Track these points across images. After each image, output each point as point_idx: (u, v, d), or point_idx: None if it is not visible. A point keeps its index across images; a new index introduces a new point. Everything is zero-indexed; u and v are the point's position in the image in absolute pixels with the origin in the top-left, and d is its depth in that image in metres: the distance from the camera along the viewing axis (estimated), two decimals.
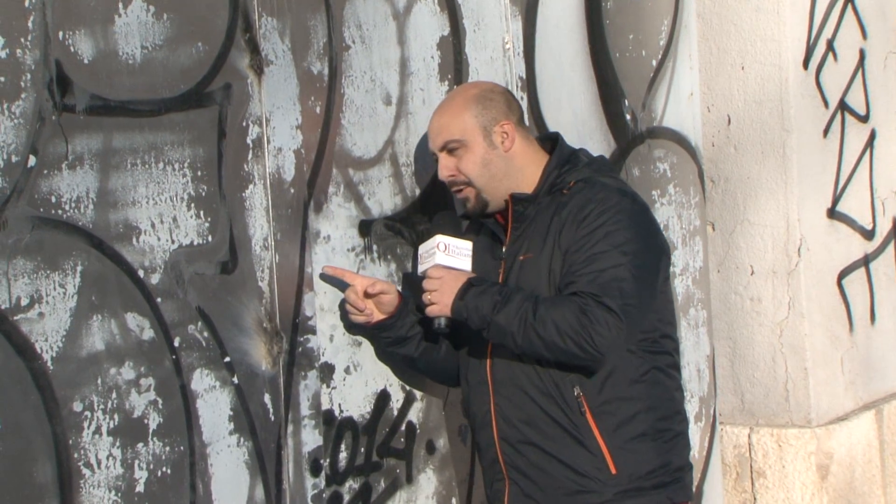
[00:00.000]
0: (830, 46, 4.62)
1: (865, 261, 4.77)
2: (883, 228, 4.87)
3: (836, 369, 4.60)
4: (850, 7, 4.70)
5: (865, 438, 4.63)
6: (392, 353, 3.41)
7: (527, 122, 3.92)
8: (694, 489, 3.95)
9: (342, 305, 3.37)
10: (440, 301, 3.17)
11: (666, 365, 3.22)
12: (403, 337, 3.35)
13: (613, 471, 3.12)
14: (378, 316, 3.32)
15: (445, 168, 3.25)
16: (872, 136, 4.81)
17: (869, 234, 4.80)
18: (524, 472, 3.20)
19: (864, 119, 4.78)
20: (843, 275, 4.66)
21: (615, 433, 3.13)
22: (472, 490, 3.73)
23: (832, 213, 4.64)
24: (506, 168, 3.23)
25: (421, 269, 3.25)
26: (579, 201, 3.15)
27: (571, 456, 3.13)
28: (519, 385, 3.18)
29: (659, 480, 3.15)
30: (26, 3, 2.75)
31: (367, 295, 3.30)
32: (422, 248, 3.27)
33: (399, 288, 3.45)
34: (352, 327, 3.38)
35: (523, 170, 3.25)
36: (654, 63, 4.40)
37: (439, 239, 3.22)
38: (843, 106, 4.68)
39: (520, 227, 3.23)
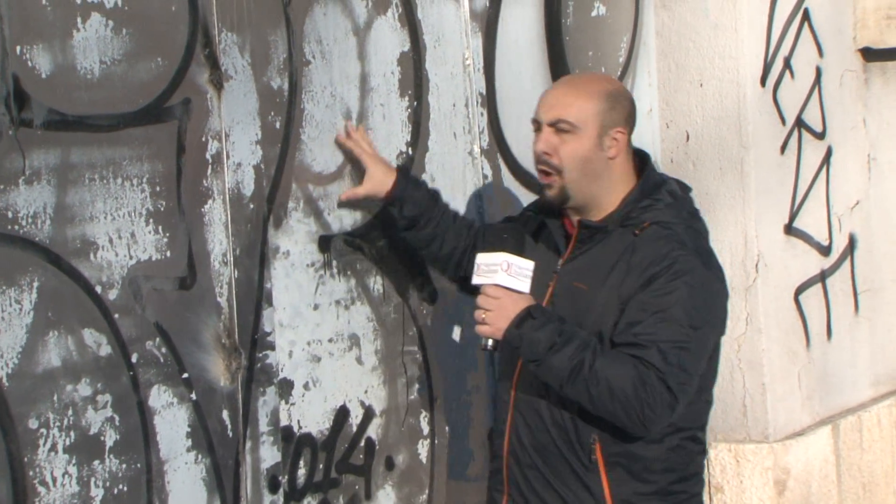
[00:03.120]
0: (787, 64, 4.66)
1: (822, 277, 4.81)
2: (839, 245, 4.91)
3: (793, 385, 4.63)
4: (806, 25, 4.74)
5: (822, 454, 4.67)
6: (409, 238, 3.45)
7: (486, 143, 3.95)
8: None
9: None
10: (494, 324, 3.00)
11: (695, 428, 3.09)
12: (416, 217, 3.40)
13: None
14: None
15: (545, 143, 3.08)
16: (829, 152, 4.86)
17: (825, 251, 4.84)
18: (525, 495, 3.13)
19: (821, 136, 4.83)
20: (799, 290, 4.70)
21: (624, 485, 3.02)
22: None
23: (789, 230, 4.68)
24: (601, 174, 3.07)
25: (477, 280, 3.07)
26: (651, 254, 2.98)
27: (575, 498, 3.04)
28: (537, 409, 3.08)
29: None
30: None
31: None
32: (481, 259, 3.08)
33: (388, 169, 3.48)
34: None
35: (614, 183, 3.09)
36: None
37: (504, 257, 3.03)
38: (799, 123, 4.72)
39: (582, 247, 3.09)
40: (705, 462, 3.18)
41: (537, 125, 3.14)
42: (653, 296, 2.94)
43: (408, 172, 3.55)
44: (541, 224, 3.21)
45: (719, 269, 3.09)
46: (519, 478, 3.13)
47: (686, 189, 3.19)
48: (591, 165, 3.06)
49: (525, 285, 3.04)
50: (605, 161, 3.07)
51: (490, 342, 3.04)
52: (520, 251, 3.08)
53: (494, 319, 3.01)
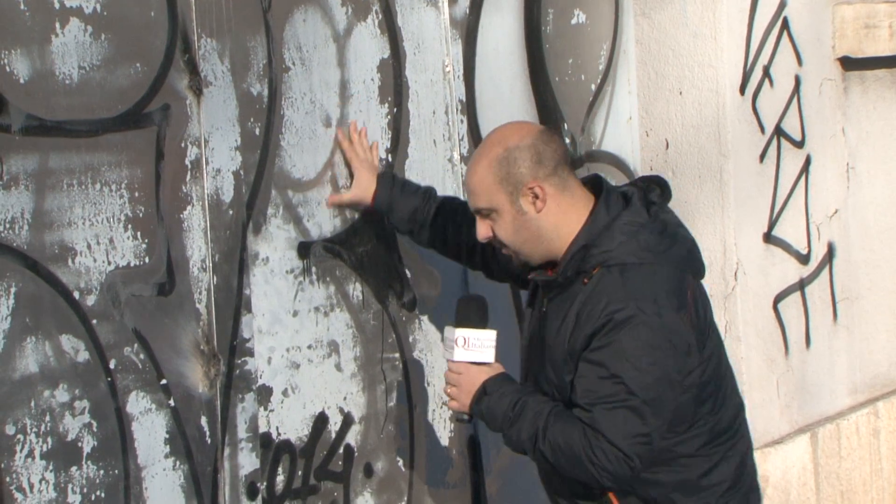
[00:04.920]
0: (767, 72, 4.69)
1: (801, 285, 4.84)
2: (818, 253, 4.93)
3: (771, 392, 4.65)
4: (785, 34, 4.77)
5: (800, 462, 4.69)
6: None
7: (466, 150, 3.96)
8: None
9: None
10: (458, 399, 3.06)
11: (701, 445, 2.99)
12: (403, 218, 3.48)
13: None
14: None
15: (481, 232, 3.03)
16: (808, 161, 4.89)
17: (804, 259, 4.87)
18: None
19: (800, 145, 4.86)
20: (778, 299, 4.72)
21: None
22: None
23: (768, 238, 4.70)
24: (538, 230, 2.97)
25: (444, 354, 3.15)
26: (590, 308, 2.89)
27: None
28: None
29: None
30: None
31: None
32: (446, 332, 3.14)
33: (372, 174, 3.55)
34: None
35: (558, 229, 2.97)
36: (593, 87, 4.45)
37: (459, 333, 3.07)
38: (778, 131, 4.75)
39: (549, 297, 3.03)
40: (736, 462, 3.04)
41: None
42: (594, 355, 2.88)
43: (392, 180, 3.55)
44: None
45: (669, 314, 2.88)
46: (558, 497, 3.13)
47: (661, 198, 3.05)
48: (525, 231, 2.98)
49: (487, 355, 3.07)
50: (534, 218, 2.96)
51: (464, 416, 3.11)
52: (483, 319, 3.10)
53: (458, 395, 3.06)
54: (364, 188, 3.52)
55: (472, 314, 3.11)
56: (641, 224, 2.96)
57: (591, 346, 2.89)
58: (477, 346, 3.07)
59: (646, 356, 2.86)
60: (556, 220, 2.97)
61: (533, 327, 3.11)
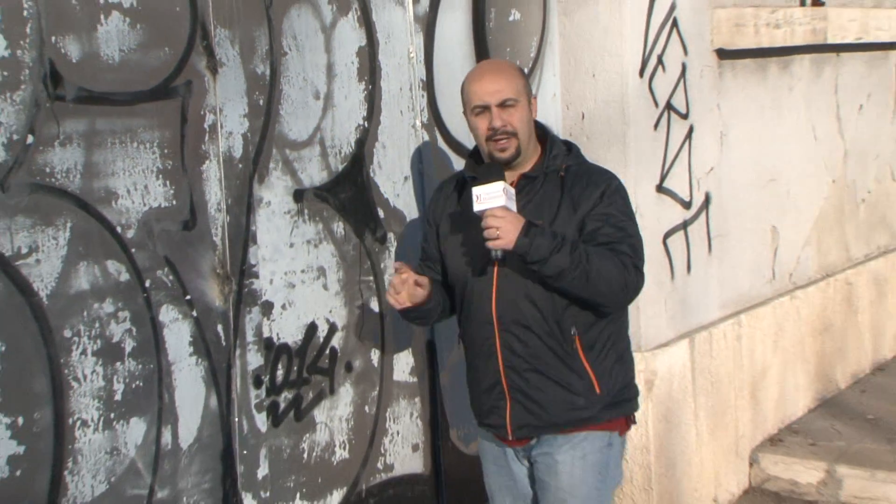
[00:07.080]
0: (660, 60, 4.68)
1: (684, 225, 4.86)
2: (697, 201, 4.96)
3: (660, 308, 4.69)
4: (675, 30, 4.76)
5: (681, 360, 4.74)
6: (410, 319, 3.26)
7: (426, 119, 3.94)
8: None
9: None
10: (505, 237, 2.93)
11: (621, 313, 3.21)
12: (425, 315, 3.22)
13: (598, 390, 3.09)
14: (407, 303, 3.12)
15: (499, 118, 3.05)
16: (691, 129, 4.90)
17: (687, 205, 4.89)
18: (527, 393, 3.10)
19: (685, 117, 4.86)
20: (667, 236, 4.74)
21: (598, 362, 3.10)
22: (381, 400, 3.76)
23: (660, 188, 4.72)
24: (532, 131, 3.15)
25: (479, 207, 2.95)
26: (591, 182, 3.09)
27: (567, 381, 3.07)
28: (525, 324, 3.07)
29: (626, 396, 3.16)
30: (24, 13, 2.69)
31: (416, 283, 3.10)
32: (479, 190, 2.96)
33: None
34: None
35: (535, 137, 3.17)
36: (526, 71, 4.43)
37: (502, 185, 2.95)
38: (669, 106, 4.75)
39: (525, 197, 3.08)
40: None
41: (482, 109, 3.08)
42: (606, 208, 3.06)
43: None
44: (464, 190, 3.18)
45: None
46: (520, 382, 3.10)
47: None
48: (530, 125, 3.13)
49: (515, 206, 3.02)
50: (531, 119, 3.14)
51: (499, 253, 2.98)
52: (502, 177, 3.01)
53: (505, 234, 2.94)
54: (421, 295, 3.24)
55: (494, 174, 3.01)
56: (571, 144, 3.24)
57: (602, 203, 3.06)
58: (511, 197, 3.01)
59: (630, 209, 3.13)
60: (534, 130, 3.17)
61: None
